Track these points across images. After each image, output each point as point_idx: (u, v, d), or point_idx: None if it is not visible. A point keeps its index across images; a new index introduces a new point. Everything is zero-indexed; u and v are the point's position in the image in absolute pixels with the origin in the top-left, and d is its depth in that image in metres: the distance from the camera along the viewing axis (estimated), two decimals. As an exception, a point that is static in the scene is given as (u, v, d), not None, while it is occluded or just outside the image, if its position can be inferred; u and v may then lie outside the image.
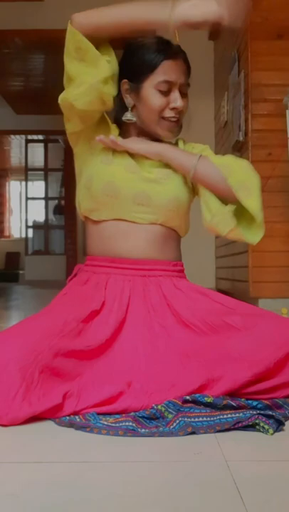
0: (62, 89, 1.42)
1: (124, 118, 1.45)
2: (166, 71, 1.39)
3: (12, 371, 1.12)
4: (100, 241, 1.44)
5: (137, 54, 1.41)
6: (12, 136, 8.87)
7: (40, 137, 8.92)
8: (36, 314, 1.36)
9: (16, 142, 9.29)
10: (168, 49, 1.39)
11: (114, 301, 1.36)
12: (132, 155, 1.42)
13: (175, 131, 1.46)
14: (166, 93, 1.40)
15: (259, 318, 1.29)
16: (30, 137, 8.78)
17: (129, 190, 1.39)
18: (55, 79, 6.35)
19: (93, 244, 1.47)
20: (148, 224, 1.41)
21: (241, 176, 1.38)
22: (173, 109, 1.41)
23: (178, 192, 1.43)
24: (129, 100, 1.44)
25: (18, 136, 8.78)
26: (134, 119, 1.45)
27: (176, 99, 1.40)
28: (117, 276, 1.40)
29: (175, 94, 1.40)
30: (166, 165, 1.44)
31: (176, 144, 1.52)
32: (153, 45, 1.40)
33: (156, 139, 1.46)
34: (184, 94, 1.43)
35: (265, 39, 2.94)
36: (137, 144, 1.43)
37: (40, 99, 7.36)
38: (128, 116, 1.45)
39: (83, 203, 1.46)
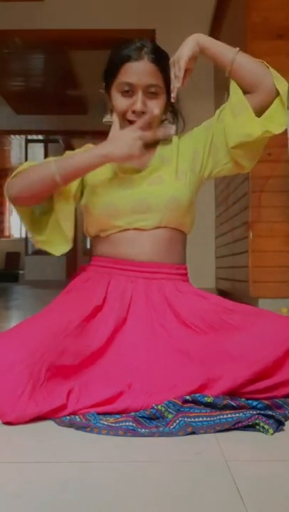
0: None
1: (104, 120, 1.46)
2: (126, 73, 1.38)
3: (19, 368, 1.12)
4: (106, 246, 1.45)
5: (109, 59, 1.43)
6: (12, 136, 8.87)
7: (40, 137, 8.91)
8: (40, 313, 1.36)
9: (16, 142, 9.30)
10: (130, 51, 1.38)
11: (116, 300, 1.36)
12: (122, 170, 1.44)
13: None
14: (129, 95, 1.40)
15: (258, 317, 1.29)
16: (30, 137, 8.78)
17: (127, 205, 1.40)
18: (55, 79, 6.39)
19: (99, 247, 1.48)
20: (153, 229, 1.42)
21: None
22: (134, 112, 1.40)
23: (173, 191, 1.42)
24: (108, 103, 1.46)
25: (18, 136, 8.79)
26: (113, 120, 1.44)
27: (136, 102, 1.39)
28: (120, 277, 1.40)
29: (136, 97, 1.39)
30: (154, 170, 1.44)
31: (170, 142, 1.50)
32: (120, 49, 1.40)
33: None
34: (152, 96, 1.40)
35: (265, 39, 2.93)
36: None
37: (40, 99, 7.35)
38: (107, 118, 1.46)
39: (90, 229, 1.49)
